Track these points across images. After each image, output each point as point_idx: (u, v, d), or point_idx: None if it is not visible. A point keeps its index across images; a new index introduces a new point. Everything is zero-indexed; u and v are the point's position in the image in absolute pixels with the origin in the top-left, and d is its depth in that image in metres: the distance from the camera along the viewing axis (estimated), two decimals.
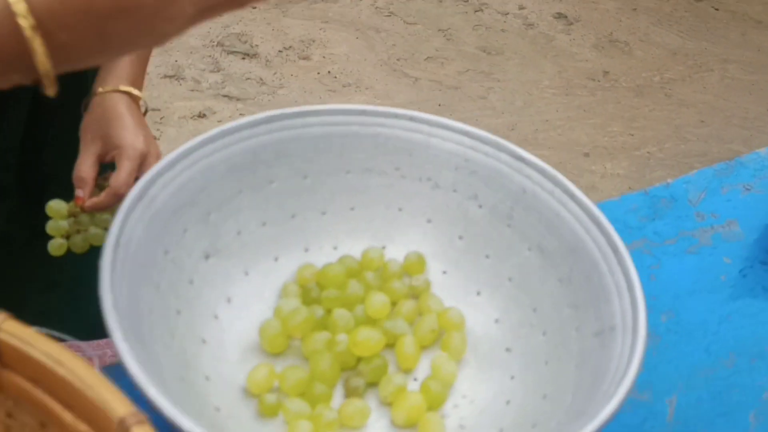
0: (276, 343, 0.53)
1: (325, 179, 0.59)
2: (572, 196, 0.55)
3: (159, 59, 2.30)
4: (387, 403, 0.52)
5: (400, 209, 0.61)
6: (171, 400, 0.39)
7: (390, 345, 0.55)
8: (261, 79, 2.34)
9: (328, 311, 0.55)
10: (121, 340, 0.39)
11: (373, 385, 0.53)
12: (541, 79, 2.64)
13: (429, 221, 0.61)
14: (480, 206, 0.59)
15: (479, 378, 0.54)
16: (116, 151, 0.65)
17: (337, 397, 0.52)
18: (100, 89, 0.68)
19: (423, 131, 0.59)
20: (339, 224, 0.60)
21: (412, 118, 0.59)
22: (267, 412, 0.49)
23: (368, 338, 0.53)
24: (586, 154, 2.41)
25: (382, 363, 0.53)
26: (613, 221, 0.72)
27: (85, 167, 0.66)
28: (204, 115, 2.16)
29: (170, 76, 2.27)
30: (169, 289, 0.50)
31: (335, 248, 0.60)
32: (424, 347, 0.56)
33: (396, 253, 0.60)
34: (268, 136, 0.56)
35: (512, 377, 0.53)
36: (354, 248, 0.60)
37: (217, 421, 0.47)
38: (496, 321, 0.57)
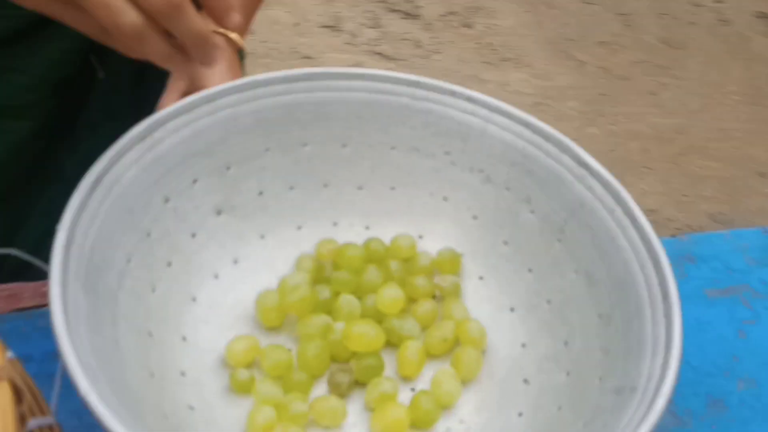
0: (270, 317, 0.49)
1: (365, 151, 0.54)
2: (634, 220, 0.46)
3: (321, 8, 2.31)
4: (369, 409, 0.47)
5: (444, 198, 0.54)
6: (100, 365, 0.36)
7: (394, 346, 0.49)
8: (418, 41, 2.29)
9: (336, 294, 0.50)
10: (56, 283, 0.36)
11: (362, 385, 0.47)
12: (726, 83, 2.39)
13: (474, 218, 0.54)
14: (532, 212, 0.51)
15: (485, 405, 0.47)
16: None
17: (321, 391, 0.48)
18: None
19: (480, 115, 0.52)
20: (376, 203, 0.55)
21: (470, 99, 0.52)
22: (237, 388, 0.46)
23: (364, 333, 0.47)
24: (762, 174, 2.16)
25: (376, 363, 0.48)
26: (712, 258, 0.62)
27: (168, 102, 0.65)
28: None
29: (328, 27, 2.27)
30: (162, 239, 0.47)
31: (367, 228, 0.55)
32: (432, 356, 0.50)
33: (431, 246, 0.54)
34: (306, 95, 0.51)
35: (520, 414, 0.46)
36: (386, 232, 0.54)
37: (176, 387, 0.44)
38: (523, 346, 0.50)
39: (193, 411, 0.44)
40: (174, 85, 0.51)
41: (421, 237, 0.55)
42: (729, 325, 0.58)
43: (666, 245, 0.44)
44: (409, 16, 2.39)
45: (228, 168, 0.51)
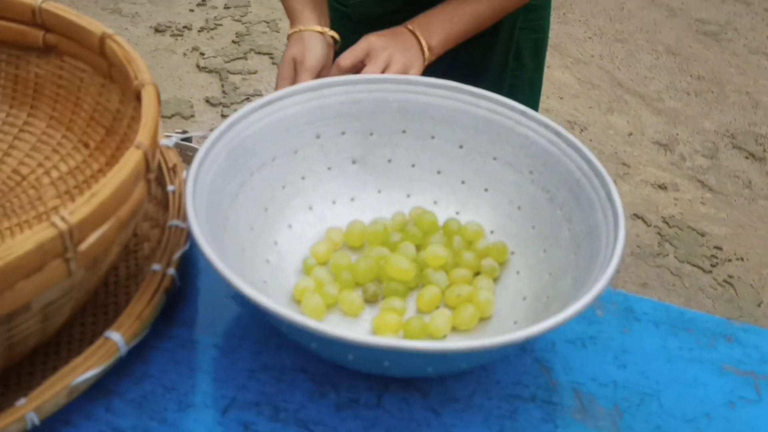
0: (353, 238, 0.68)
1: (475, 155, 0.70)
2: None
3: (662, 127, 2.37)
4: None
5: (519, 208, 0.67)
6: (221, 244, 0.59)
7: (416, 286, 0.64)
8: (749, 182, 2.21)
9: (403, 240, 0.67)
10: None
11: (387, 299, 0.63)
12: None
13: (533, 227, 0.66)
14: (569, 230, 0.62)
15: None
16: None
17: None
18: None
19: (560, 147, 0.64)
20: (470, 197, 0.70)
21: (557, 133, 0.64)
22: (304, 268, 0.65)
23: (400, 264, 0.63)
24: None
25: (401, 289, 0.63)
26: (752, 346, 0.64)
27: (342, 61, 0.82)
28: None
29: (660, 144, 2.32)
30: (303, 159, 0.68)
31: (457, 213, 0.70)
32: (447, 306, 0.63)
33: (492, 239, 0.67)
34: (441, 99, 0.69)
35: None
36: (466, 218, 0.69)
37: (267, 249, 0.65)
38: (524, 299, 0.60)
39: (269, 264, 0.64)
40: (354, 51, 0.74)
41: (492, 232, 0.68)
42: (726, 395, 0.60)
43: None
44: (751, 156, 2.33)
45: (371, 134, 0.71)
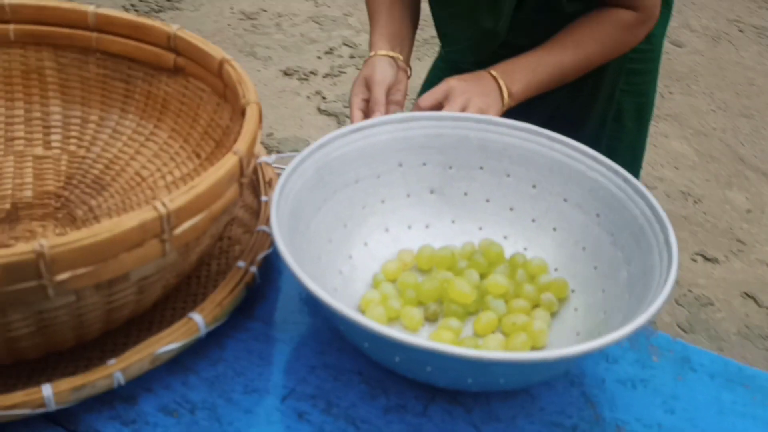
0: (422, 261, 0.72)
1: (546, 195, 0.73)
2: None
3: None
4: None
5: (584, 249, 0.70)
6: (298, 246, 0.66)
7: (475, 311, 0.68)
8: None
9: (468, 267, 0.71)
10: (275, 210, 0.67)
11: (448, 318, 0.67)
12: None
13: (595, 268, 0.68)
14: (628, 272, 0.64)
15: None
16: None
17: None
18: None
19: (627, 192, 0.67)
20: (539, 234, 0.74)
21: (624, 179, 0.67)
22: (374, 282, 0.70)
23: (461, 288, 0.67)
24: None
25: (461, 311, 0.67)
26: None
27: (426, 100, 0.86)
28: None
29: None
30: (384, 184, 0.74)
31: (525, 249, 0.74)
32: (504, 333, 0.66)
33: (556, 275, 0.70)
34: (520, 141, 0.74)
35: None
36: (534, 254, 0.72)
37: (342, 261, 0.71)
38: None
39: (341, 274, 0.70)
40: (434, 93, 0.80)
41: (556, 270, 0.71)
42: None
43: None
44: None
45: (450, 167, 0.76)
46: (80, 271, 0.52)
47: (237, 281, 0.65)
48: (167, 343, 0.59)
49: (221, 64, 0.73)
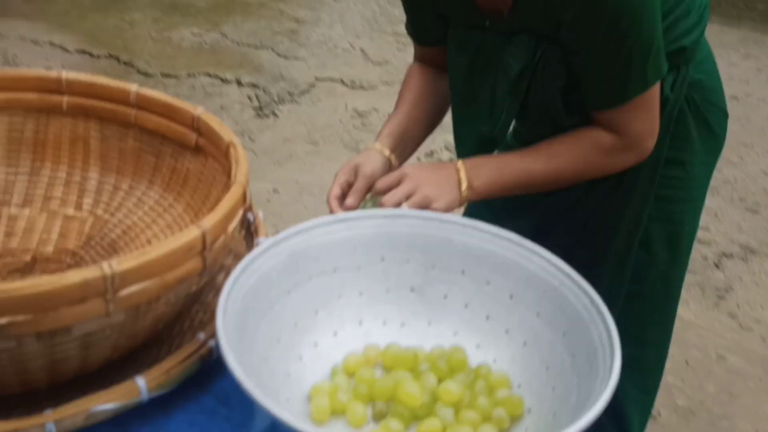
0: (388, 359, 0.72)
1: (520, 308, 0.71)
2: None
3: None
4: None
5: (547, 368, 0.67)
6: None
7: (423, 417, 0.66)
8: None
9: (427, 371, 0.69)
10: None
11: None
12: None
13: (553, 389, 0.65)
14: (578, 376, 0.60)
15: None
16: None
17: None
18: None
19: (587, 306, 0.64)
20: (508, 345, 0.71)
21: (591, 300, 0.65)
22: (333, 373, 0.70)
23: (410, 391, 0.65)
24: None
25: (407, 414, 0.65)
26: None
27: (390, 199, 0.87)
28: None
29: None
30: (365, 276, 0.75)
31: (495, 361, 0.71)
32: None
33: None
34: (500, 249, 0.73)
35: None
36: (499, 364, 0.70)
37: (296, 364, 0.71)
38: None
39: (301, 360, 0.70)
40: (389, 177, 0.81)
41: (519, 386, 0.68)
42: None
43: None
44: None
45: (433, 267, 0.76)
46: (20, 317, 0.55)
47: (190, 352, 0.67)
48: (104, 402, 0.62)
49: (228, 146, 0.78)
